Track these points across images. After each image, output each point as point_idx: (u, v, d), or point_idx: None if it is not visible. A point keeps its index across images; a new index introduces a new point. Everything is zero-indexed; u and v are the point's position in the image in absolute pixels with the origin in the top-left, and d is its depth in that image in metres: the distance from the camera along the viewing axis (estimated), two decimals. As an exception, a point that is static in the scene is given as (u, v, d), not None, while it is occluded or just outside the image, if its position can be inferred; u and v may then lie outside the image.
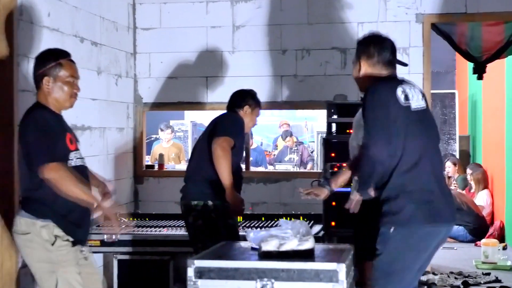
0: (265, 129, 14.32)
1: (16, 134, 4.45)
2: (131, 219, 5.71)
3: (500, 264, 6.95)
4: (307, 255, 3.44)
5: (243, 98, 4.73)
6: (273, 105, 6.44)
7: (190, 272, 3.36)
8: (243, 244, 3.88)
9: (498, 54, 6.47)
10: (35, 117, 3.51)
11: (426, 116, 3.61)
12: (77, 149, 3.67)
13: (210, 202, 4.48)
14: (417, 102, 3.54)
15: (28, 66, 4.68)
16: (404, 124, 3.43)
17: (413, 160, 3.43)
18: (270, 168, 10.76)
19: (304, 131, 14.16)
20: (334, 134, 5.47)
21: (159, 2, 6.59)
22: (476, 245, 8.10)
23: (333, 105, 5.35)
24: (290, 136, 12.42)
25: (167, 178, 6.68)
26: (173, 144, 10.83)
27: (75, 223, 3.55)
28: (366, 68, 3.64)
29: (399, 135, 3.42)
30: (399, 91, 3.49)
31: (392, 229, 3.43)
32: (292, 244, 3.46)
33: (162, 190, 6.61)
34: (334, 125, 5.57)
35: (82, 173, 3.58)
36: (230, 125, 4.52)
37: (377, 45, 3.64)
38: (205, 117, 12.76)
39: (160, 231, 5.23)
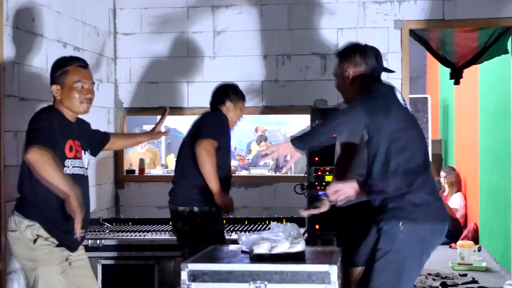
0: (238, 133, 14.37)
1: (3, 139, 4.48)
2: (114, 224, 5.71)
3: (476, 265, 7.10)
4: (298, 258, 3.49)
5: (224, 94, 4.67)
6: (254, 110, 6.48)
7: (184, 275, 3.40)
8: (232, 247, 3.93)
9: (475, 59, 6.61)
10: (41, 114, 3.57)
11: (415, 118, 3.68)
12: (76, 158, 3.65)
13: (196, 208, 4.46)
14: (407, 105, 3.62)
15: (13, 71, 4.68)
16: (408, 123, 3.48)
17: (418, 159, 3.46)
18: (245, 173, 10.81)
19: (278, 135, 14.26)
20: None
21: (140, 7, 6.61)
22: (450, 247, 8.24)
23: (317, 110, 5.42)
24: (265, 141, 12.51)
25: (148, 182, 6.69)
26: (148, 149, 10.84)
27: (62, 230, 3.56)
28: (343, 79, 3.64)
29: (404, 131, 3.44)
30: (397, 93, 3.55)
31: (400, 224, 3.40)
32: (283, 247, 3.51)
33: (143, 195, 6.62)
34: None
35: (78, 182, 3.56)
36: (213, 126, 4.48)
37: (362, 54, 3.63)
38: (179, 122, 12.79)
39: (144, 235, 5.25)
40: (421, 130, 3.63)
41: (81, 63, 3.70)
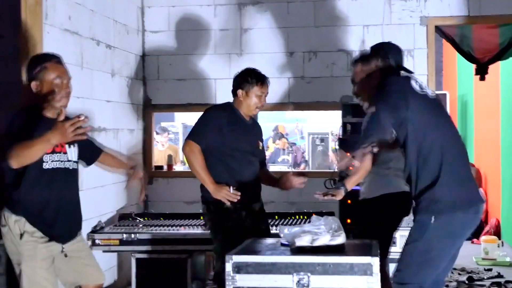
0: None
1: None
2: (145, 218, 5.81)
3: (500, 260, 7.13)
4: (339, 250, 3.57)
5: (236, 83, 4.46)
6: (282, 106, 6.56)
7: (228, 267, 3.48)
8: (270, 240, 3.99)
9: (499, 55, 6.65)
10: (16, 114, 3.59)
11: (441, 103, 3.77)
12: (55, 152, 3.66)
13: (211, 206, 4.40)
14: (430, 91, 3.70)
15: (52, 69, 4.77)
16: (427, 112, 3.56)
17: (445, 149, 3.54)
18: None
19: (295, 132, 14.31)
20: (349, 133, 5.61)
21: (168, 6, 6.69)
22: (472, 242, 8.28)
23: (348, 106, 5.49)
24: (279, 139, 12.58)
25: (176, 178, 6.78)
26: (169, 146, 10.92)
27: (47, 222, 3.63)
28: (375, 77, 3.78)
29: (421, 118, 3.55)
30: (413, 82, 3.63)
31: (432, 219, 3.50)
32: (324, 239, 3.59)
33: (171, 190, 6.72)
34: (348, 125, 5.70)
35: (58, 176, 3.64)
36: (195, 126, 4.41)
37: (379, 59, 3.79)
38: (196, 119, 12.88)
39: (177, 230, 5.34)
40: (444, 113, 3.74)
41: (58, 59, 3.71)
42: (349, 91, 6.19)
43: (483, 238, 7.49)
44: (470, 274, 6.48)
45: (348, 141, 5.41)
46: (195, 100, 6.64)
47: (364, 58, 3.89)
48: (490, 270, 6.74)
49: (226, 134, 4.33)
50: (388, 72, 3.75)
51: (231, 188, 4.32)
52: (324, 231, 3.62)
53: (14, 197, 3.60)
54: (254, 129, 4.63)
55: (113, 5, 5.93)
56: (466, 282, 6.23)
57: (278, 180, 4.58)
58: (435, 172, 3.53)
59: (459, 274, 6.57)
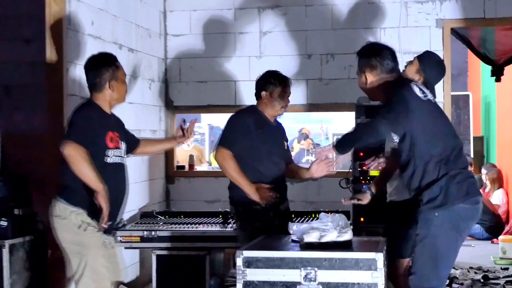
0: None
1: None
2: (166, 216, 5.99)
3: (517, 260, 7.20)
4: (346, 246, 3.71)
5: (259, 86, 4.57)
6: (300, 108, 6.71)
7: (239, 262, 3.63)
8: (282, 237, 4.15)
9: (515, 57, 6.73)
10: (81, 109, 3.89)
11: (439, 107, 3.91)
12: (116, 148, 3.99)
13: (240, 207, 4.53)
14: (430, 95, 3.82)
15: (75, 72, 4.98)
16: (428, 118, 3.70)
17: (443, 148, 3.70)
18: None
19: (320, 133, 14.42)
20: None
21: (189, 10, 6.87)
22: (492, 242, 8.35)
23: (361, 107, 5.62)
24: (304, 139, 12.72)
25: (197, 178, 6.96)
26: (194, 147, 11.11)
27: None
28: (371, 79, 3.88)
29: (425, 125, 3.68)
30: (415, 88, 3.74)
31: (436, 213, 3.65)
32: (332, 236, 3.73)
33: (192, 190, 6.89)
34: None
35: (118, 169, 3.95)
36: (224, 132, 4.53)
37: (377, 56, 3.87)
38: (222, 120, 13.06)
39: (196, 227, 5.51)
40: (443, 116, 3.85)
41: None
42: (365, 93, 6.37)
43: (501, 237, 7.56)
44: (485, 273, 6.56)
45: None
46: (215, 102, 6.81)
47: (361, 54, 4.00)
48: (506, 269, 6.80)
49: (254, 138, 4.45)
50: (392, 78, 3.87)
51: (271, 190, 4.43)
52: (332, 228, 3.75)
53: (72, 189, 3.82)
54: (279, 130, 4.78)
55: (135, 10, 6.12)
56: (481, 280, 6.31)
57: (309, 169, 4.57)
58: (433, 174, 3.68)
59: (475, 273, 6.65)
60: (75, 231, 3.82)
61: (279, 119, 4.82)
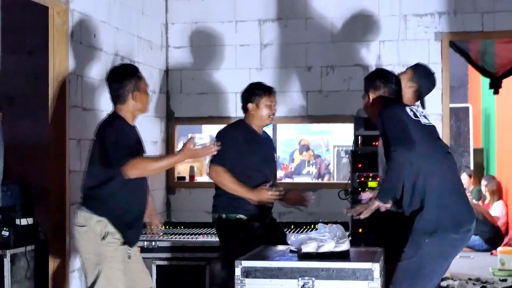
0: (281, 143, 14.65)
1: (68, 146, 4.83)
2: (166, 227, 6.03)
3: (516, 271, 7.22)
4: (343, 256, 3.76)
5: (245, 98, 4.63)
6: (299, 119, 6.77)
7: (238, 271, 3.68)
8: (280, 247, 4.19)
9: (513, 69, 6.79)
10: (115, 123, 3.91)
11: (434, 130, 3.97)
12: None
13: (223, 216, 4.57)
14: (425, 119, 3.90)
15: (78, 83, 5.04)
16: (418, 135, 3.75)
17: (434, 175, 3.74)
18: (289, 181, 11.07)
19: (321, 144, 14.47)
20: (361, 146, 5.77)
21: (190, 22, 6.95)
22: (491, 254, 8.37)
23: (360, 119, 5.67)
24: (306, 150, 12.78)
25: (197, 189, 7.01)
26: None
27: (128, 224, 3.90)
28: (367, 102, 4.01)
29: (417, 147, 3.74)
30: (408, 109, 3.86)
31: (426, 239, 3.70)
32: (329, 246, 3.78)
33: (193, 200, 6.94)
34: (360, 138, 5.86)
35: (143, 182, 4.00)
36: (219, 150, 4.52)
37: (382, 78, 3.99)
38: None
39: (196, 238, 5.55)
40: (437, 139, 3.92)
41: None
42: (365, 105, 6.43)
43: (500, 249, 7.59)
44: (484, 284, 6.59)
45: (360, 154, 5.59)
46: (216, 113, 6.87)
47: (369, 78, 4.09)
48: (505, 280, 6.83)
49: (243, 150, 4.52)
50: (386, 99, 3.94)
51: (269, 187, 4.49)
52: (329, 238, 3.81)
53: (98, 198, 3.85)
54: (268, 141, 4.85)
55: (137, 23, 6.20)
56: (480, 292, 6.35)
57: (284, 196, 4.66)
58: (424, 197, 3.72)
59: (473, 284, 6.68)
60: (97, 241, 3.83)
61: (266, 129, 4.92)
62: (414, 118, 3.81)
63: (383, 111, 3.81)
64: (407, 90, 4.19)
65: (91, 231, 3.83)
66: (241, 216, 4.52)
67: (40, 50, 5.20)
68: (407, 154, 3.66)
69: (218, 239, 5.34)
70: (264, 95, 4.60)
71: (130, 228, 3.94)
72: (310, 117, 6.78)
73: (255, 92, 4.61)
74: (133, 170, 3.74)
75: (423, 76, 4.33)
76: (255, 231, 4.54)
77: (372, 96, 3.98)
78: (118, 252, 3.88)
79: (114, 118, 3.97)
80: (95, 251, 3.84)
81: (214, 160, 4.50)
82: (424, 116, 3.93)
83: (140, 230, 4.14)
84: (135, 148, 3.88)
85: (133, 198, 3.91)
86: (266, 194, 4.47)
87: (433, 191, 3.73)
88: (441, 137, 4.19)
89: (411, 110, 3.87)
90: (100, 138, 3.87)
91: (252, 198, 4.47)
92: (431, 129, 3.92)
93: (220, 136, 4.59)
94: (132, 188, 3.86)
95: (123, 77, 3.98)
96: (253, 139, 4.62)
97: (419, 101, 4.31)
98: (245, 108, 4.65)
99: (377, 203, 3.87)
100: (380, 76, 4.00)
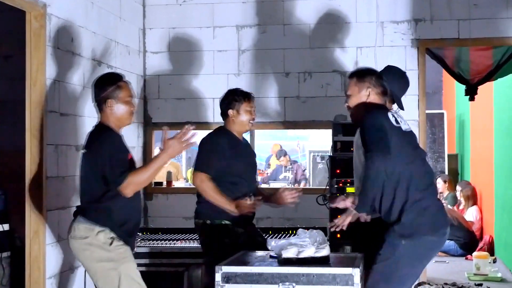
0: (257, 148, 14.66)
1: (45, 151, 4.79)
2: (144, 233, 6.00)
3: (491, 276, 7.28)
4: (323, 262, 3.78)
5: (225, 105, 4.68)
6: (277, 125, 6.78)
7: (218, 277, 3.69)
8: (260, 253, 4.21)
9: (489, 76, 6.86)
10: (105, 136, 3.85)
11: (413, 136, 4.03)
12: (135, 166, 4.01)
13: (208, 221, 4.59)
14: (405, 125, 3.93)
15: (55, 89, 5.01)
16: (399, 142, 3.80)
17: (412, 180, 3.79)
18: (265, 187, 11.08)
19: (297, 150, 14.52)
20: (339, 152, 5.79)
21: (168, 27, 6.93)
22: (466, 258, 8.45)
23: (338, 125, 5.70)
24: (284, 155, 12.81)
25: (175, 194, 6.98)
26: (171, 163, 11.13)
27: (128, 232, 3.91)
28: (360, 98, 4.02)
29: (396, 153, 3.77)
30: (390, 115, 3.90)
31: (403, 241, 3.75)
32: (309, 252, 3.80)
33: (170, 206, 6.90)
34: (338, 144, 5.88)
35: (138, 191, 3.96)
36: (199, 157, 4.60)
37: (373, 78, 4.03)
38: (199, 137, 13.10)
39: (174, 244, 5.53)
40: (416, 145, 3.98)
41: (125, 79, 4.04)
42: (342, 111, 6.41)
43: (474, 254, 7.65)
44: (460, 289, 6.65)
45: (339, 159, 5.61)
46: (194, 119, 6.85)
47: (359, 74, 4.11)
48: (480, 285, 6.90)
49: (228, 157, 4.56)
50: (371, 104, 3.97)
51: (249, 199, 4.49)
52: (309, 244, 3.82)
53: (99, 210, 3.82)
54: (248, 147, 4.93)
55: (115, 27, 6.17)
56: (456, 296, 6.40)
57: (271, 196, 4.77)
58: (401, 201, 3.77)
59: (450, 289, 6.74)
60: (106, 248, 3.81)
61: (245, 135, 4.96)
62: (396, 124, 3.84)
63: (365, 118, 3.83)
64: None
65: (96, 241, 3.81)
66: (226, 221, 4.54)
67: (17, 54, 5.16)
68: (383, 161, 3.70)
69: (198, 245, 5.37)
70: (244, 101, 4.66)
71: (130, 236, 3.96)
72: (287, 122, 6.80)
73: (234, 98, 4.66)
74: (128, 189, 3.73)
75: (394, 79, 4.35)
76: (239, 236, 4.57)
77: (359, 95, 3.98)
78: (128, 252, 3.90)
79: (102, 129, 3.92)
80: (107, 258, 3.82)
81: (199, 167, 4.53)
82: (404, 121, 3.96)
83: (135, 237, 4.16)
84: (127, 163, 3.83)
85: (132, 206, 3.91)
86: (246, 207, 4.48)
87: (413, 198, 3.76)
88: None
89: (393, 115, 3.89)
90: (92, 152, 3.84)
91: (232, 210, 4.48)
92: (411, 135, 3.96)
93: (204, 143, 4.63)
94: (130, 198, 3.83)
95: (101, 84, 3.96)
96: (236, 146, 4.67)
97: (395, 104, 4.34)
98: (225, 115, 4.69)
99: (354, 213, 3.90)
100: (371, 75, 4.03)
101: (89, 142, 3.90)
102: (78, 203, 5.00)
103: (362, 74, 4.06)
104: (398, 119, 3.90)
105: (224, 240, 4.53)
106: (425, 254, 3.83)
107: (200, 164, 4.54)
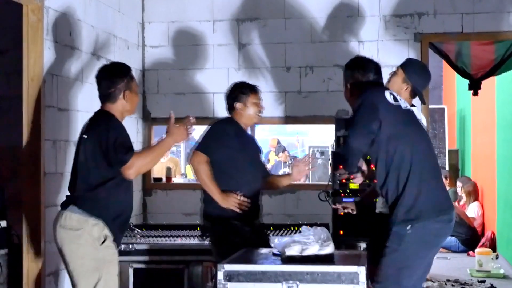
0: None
1: (43, 147, 4.71)
2: (143, 229, 5.92)
3: (494, 272, 7.22)
4: (327, 259, 3.68)
5: (232, 98, 4.64)
6: (278, 120, 6.70)
7: (220, 275, 3.59)
8: (263, 250, 4.12)
9: (493, 71, 6.79)
10: (112, 121, 3.77)
11: (414, 116, 3.86)
12: None
13: (217, 221, 4.51)
14: (405, 104, 3.81)
15: (53, 83, 4.92)
16: (399, 120, 3.68)
17: (415, 161, 3.65)
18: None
19: (296, 145, 14.45)
20: (342, 147, 5.70)
21: (167, 21, 6.84)
22: (468, 255, 8.39)
23: (341, 120, 5.62)
24: (283, 151, 12.75)
25: (174, 190, 6.91)
26: (170, 159, 11.06)
27: (120, 227, 3.82)
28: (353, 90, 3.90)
29: (396, 132, 3.66)
30: (387, 93, 3.74)
31: (408, 227, 3.61)
32: (313, 249, 3.70)
33: (169, 202, 6.83)
34: (341, 139, 5.79)
35: (131, 183, 3.89)
36: (203, 139, 4.54)
37: (360, 68, 3.91)
38: (198, 132, 13.02)
39: (174, 240, 5.45)
40: (418, 125, 3.82)
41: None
42: (344, 106, 6.38)
43: (477, 250, 7.59)
44: (463, 286, 6.58)
45: (341, 155, 5.53)
46: (193, 114, 6.57)
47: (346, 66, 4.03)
48: (483, 282, 6.83)
49: (234, 146, 4.48)
50: (365, 84, 3.88)
51: (239, 195, 4.43)
52: (313, 241, 3.73)
53: (95, 200, 3.71)
54: (254, 141, 4.88)
55: (113, 21, 6.08)
56: (459, 293, 6.34)
57: (290, 174, 4.85)
58: (404, 183, 3.64)
59: (452, 285, 6.67)
60: (95, 245, 3.69)
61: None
62: (394, 102, 3.72)
63: (360, 97, 3.74)
64: (402, 92, 4.14)
65: (88, 235, 3.68)
66: (235, 222, 4.45)
67: (14, 48, 5.06)
68: (358, 140, 3.68)
69: (199, 242, 5.33)
70: (251, 93, 4.62)
71: (121, 232, 3.88)
72: (289, 118, 6.71)
73: (242, 91, 4.62)
74: (132, 170, 3.65)
75: (415, 73, 4.24)
76: (247, 234, 4.49)
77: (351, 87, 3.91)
78: (115, 256, 3.80)
79: (108, 116, 3.82)
80: (93, 256, 3.69)
81: (199, 147, 4.46)
82: (404, 100, 3.85)
83: (124, 234, 4.10)
84: (132, 146, 3.77)
85: (126, 199, 3.82)
86: (232, 201, 4.41)
87: (415, 176, 3.65)
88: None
89: (391, 94, 3.76)
90: (95, 135, 3.72)
91: (218, 201, 4.41)
92: (412, 113, 3.83)
93: (212, 128, 4.59)
94: (124, 189, 3.78)
95: (115, 76, 3.87)
96: (243, 136, 4.62)
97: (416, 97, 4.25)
98: (232, 108, 4.64)
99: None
100: (359, 67, 3.92)
101: (91, 127, 3.80)
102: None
103: (345, 68, 4.01)
104: (397, 97, 3.78)
105: (235, 239, 4.42)
106: (431, 241, 3.68)
107: (202, 144, 4.47)
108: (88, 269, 3.69)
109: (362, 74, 3.88)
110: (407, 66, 4.28)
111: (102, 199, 3.71)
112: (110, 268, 3.74)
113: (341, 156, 3.97)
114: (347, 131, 5.62)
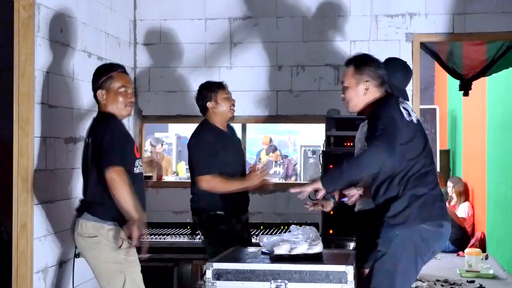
0: (248, 142, 14.61)
1: (33, 144, 4.69)
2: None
3: (483, 273, 7.26)
4: (316, 258, 3.71)
5: (201, 100, 4.68)
6: (269, 119, 6.70)
7: (209, 274, 3.61)
8: (252, 249, 4.13)
9: (484, 72, 6.81)
10: (108, 123, 3.77)
11: (422, 128, 3.82)
12: (140, 157, 3.97)
13: (204, 213, 4.64)
14: (414, 115, 3.79)
15: (44, 80, 4.90)
16: (408, 135, 3.64)
17: (411, 165, 3.65)
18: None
19: (288, 144, 14.48)
20: (332, 147, 5.72)
21: (159, 19, 6.83)
22: (458, 255, 8.43)
23: (332, 119, 5.63)
24: (273, 151, 12.75)
25: (165, 188, 6.90)
26: (162, 156, 11.05)
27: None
28: (361, 91, 3.73)
29: (404, 149, 3.63)
30: (402, 108, 3.67)
31: (397, 231, 3.60)
32: (302, 248, 3.72)
33: (160, 200, 6.82)
34: (332, 138, 5.82)
35: (142, 180, 3.93)
36: (198, 162, 4.55)
37: (371, 68, 3.75)
38: (189, 130, 13.03)
39: (164, 238, 5.45)
40: (423, 137, 3.76)
41: (123, 69, 3.96)
42: (335, 105, 6.39)
43: (467, 250, 7.63)
44: (452, 286, 6.61)
45: (332, 154, 5.54)
46: (185, 112, 6.77)
47: (358, 63, 3.83)
48: (472, 282, 6.86)
49: (220, 151, 4.55)
50: (386, 94, 3.79)
51: (257, 168, 4.56)
52: (302, 241, 3.75)
53: (105, 204, 3.71)
54: (233, 134, 4.91)
55: (105, 18, 6.07)
56: (448, 293, 6.36)
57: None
58: (397, 190, 3.63)
59: (442, 285, 6.69)
60: (114, 248, 3.73)
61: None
62: (408, 119, 3.65)
63: (382, 109, 3.62)
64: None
65: (106, 240, 3.73)
66: (220, 212, 4.56)
67: (4, 45, 5.04)
68: (382, 155, 3.48)
69: (188, 240, 5.35)
70: (219, 90, 4.67)
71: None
72: (280, 116, 6.71)
73: (209, 89, 4.68)
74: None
75: (394, 71, 4.23)
76: (234, 225, 4.59)
77: (359, 88, 3.72)
78: (135, 255, 3.86)
79: (107, 117, 3.83)
80: (115, 259, 3.75)
81: (199, 173, 4.51)
82: (413, 112, 3.81)
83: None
84: (126, 151, 3.75)
85: (136, 197, 3.79)
86: (257, 177, 4.50)
87: (409, 187, 3.63)
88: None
89: (405, 109, 3.69)
90: (95, 140, 3.74)
91: (248, 186, 4.53)
92: (420, 126, 3.78)
93: (193, 145, 4.60)
94: (136, 187, 3.77)
95: (94, 78, 3.90)
96: (222, 138, 4.65)
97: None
98: (204, 110, 4.69)
99: (316, 186, 3.68)
100: (369, 65, 3.76)
101: (93, 130, 3.81)
102: (67, 197, 4.99)
103: (361, 64, 3.79)
104: (409, 111, 3.73)
105: (220, 227, 4.54)
106: (420, 245, 3.63)
107: (200, 169, 4.52)
108: (114, 271, 3.76)
109: (378, 73, 3.74)
110: (388, 64, 4.16)
111: (111, 203, 3.68)
112: (133, 267, 3.83)
113: (350, 165, 3.54)
114: (340, 130, 5.68)
